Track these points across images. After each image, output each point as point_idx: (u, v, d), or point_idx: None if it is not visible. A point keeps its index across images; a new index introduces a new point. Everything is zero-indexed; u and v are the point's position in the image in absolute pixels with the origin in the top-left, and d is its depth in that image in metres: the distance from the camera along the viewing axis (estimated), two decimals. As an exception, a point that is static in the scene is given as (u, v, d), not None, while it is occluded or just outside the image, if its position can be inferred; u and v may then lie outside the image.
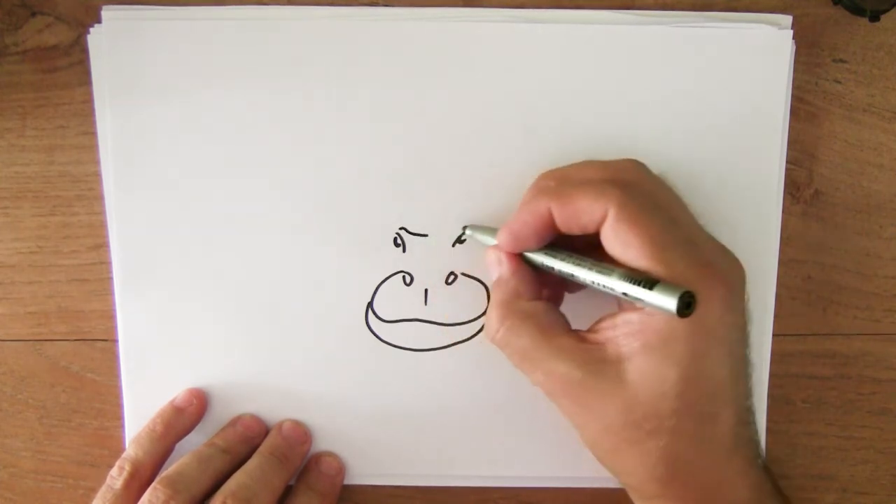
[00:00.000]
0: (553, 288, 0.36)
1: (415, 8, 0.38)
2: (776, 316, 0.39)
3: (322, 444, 0.39)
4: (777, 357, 0.40)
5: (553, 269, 0.33)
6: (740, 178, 0.38)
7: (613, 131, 0.38)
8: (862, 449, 0.41)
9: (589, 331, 0.33)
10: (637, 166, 0.34)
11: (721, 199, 0.38)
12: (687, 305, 0.28)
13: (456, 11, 0.38)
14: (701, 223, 0.34)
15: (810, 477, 0.41)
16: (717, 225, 0.38)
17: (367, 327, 0.39)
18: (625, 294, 0.30)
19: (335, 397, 0.39)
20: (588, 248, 0.33)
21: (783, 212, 0.39)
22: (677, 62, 0.37)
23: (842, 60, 0.39)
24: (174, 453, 0.38)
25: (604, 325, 0.32)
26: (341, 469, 0.39)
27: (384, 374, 0.39)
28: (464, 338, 0.39)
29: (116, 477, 0.36)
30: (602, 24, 0.37)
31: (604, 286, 0.31)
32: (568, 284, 0.36)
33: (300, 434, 0.38)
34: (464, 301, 0.39)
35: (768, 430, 0.40)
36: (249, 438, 0.38)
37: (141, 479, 0.36)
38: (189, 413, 0.38)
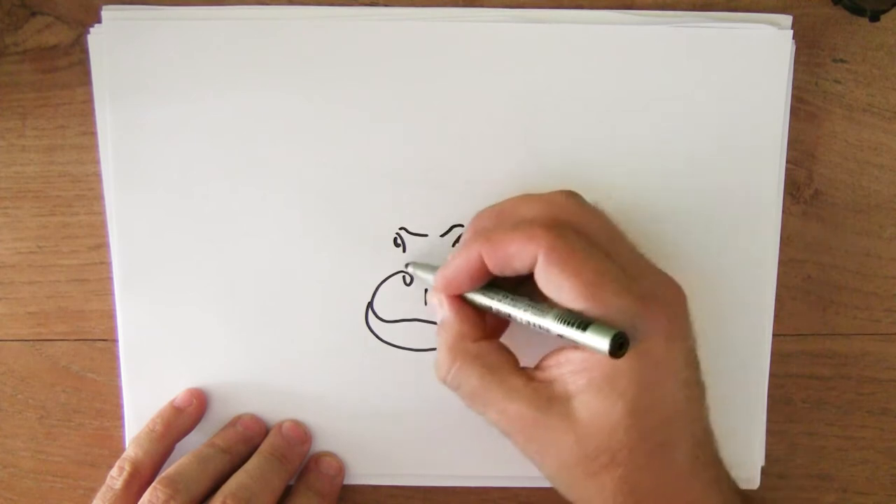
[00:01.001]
0: (498, 318, 0.36)
1: (415, 8, 0.38)
2: (776, 316, 0.39)
3: (322, 444, 0.39)
4: (777, 357, 0.40)
5: (491, 309, 0.34)
6: (740, 178, 0.38)
7: (613, 131, 0.38)
8: (862, 449, 0.41)
9: (536, 368, 0.33)
10: (570, 201, 0.33)
11: (721, 199, 0.38)
12: (619, 346, 0.28)
13: (456, 11, 0.38)
14: (640, 251, 0.34)
15: (810, 477, 0.41)
16: (717, 225, 0.38)
17: (367, 327, 0.39)
18: (560, 335, 0.30)
19: (335, 397, 0.39)
20: (532, 284, 0.33)
21: (783, 212, 0.39)
22: (677, 62, 0.37)
23: (842, 60, 0.39)
24: (174, 453, 0.38)
25: (549, 362, 0.32)
26: (341, 469, 0.39)
27: (384, 374, 0.39)
28: (464, 338, 0.39)
29: (116, 477, 0.36)
30: (602, 24, 0.37)
31: (539, 327, 0.31)
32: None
33: (300, 434, 0.38)
34: (464, 301, 0.39)
35: (768, 430, 0.40)
36: (249, 438, 0.38)
37: (141, 479, 0.36)
38: (189, 413, 0.38)
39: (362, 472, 0.40)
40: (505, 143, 0.38)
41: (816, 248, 0.40)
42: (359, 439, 0.39)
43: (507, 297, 0.33)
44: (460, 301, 0.35)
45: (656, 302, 0.31)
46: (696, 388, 0.32)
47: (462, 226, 0.38)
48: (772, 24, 0.38)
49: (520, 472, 0.40)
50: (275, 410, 0.39)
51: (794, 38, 0.38)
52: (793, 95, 0.38)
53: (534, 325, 0.31)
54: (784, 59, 0.38)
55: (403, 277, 0.38)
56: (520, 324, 0.33)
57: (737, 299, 0.39)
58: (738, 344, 0.39)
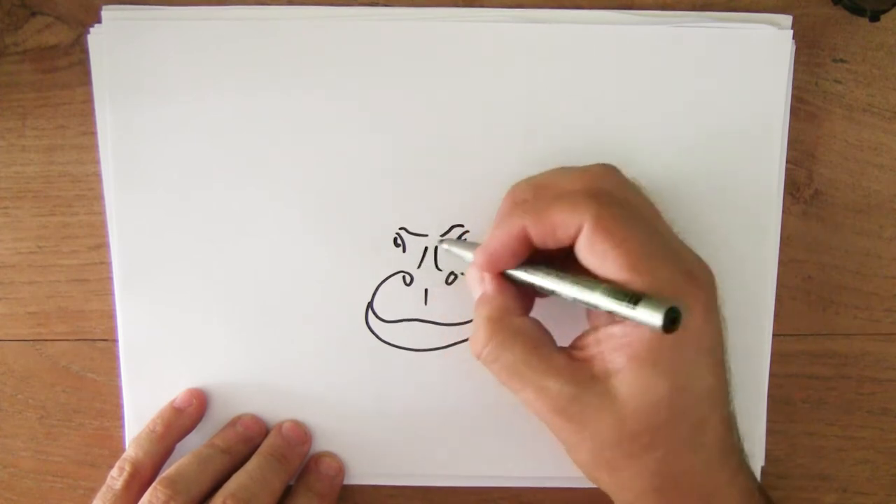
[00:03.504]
0: (528, 297, 0.36)
1: (415, 8, 0.38)
2: (776, 316, 0.39)
3: (322, 444, 0.39)
4: (777, 357, 0.40)
5: (534, 285, 0.33)
6: (740, 178, 0.38)
7: (613, 131, 0.38)
8: (862, 449, 0.41)
9: (573, 347, 0.33)
10: (611, 173, 0.33)
11: (721, 199, 0.38)
12: (672, 321, 0.28)
13: (456, 11, 0.38)
14: (677, 231, 0.33)
15: (810, 477, 0.41)
16: (717, 225, 0.38)
17: (367, 327, 0.39)
18: (609, 311, 0.29)
19: (335, 397, 0.39)
20: (564, 259, 0.32)
21: (783, 212, 0.39)
22: (677, 62, 0.37)
23: (842, 60, 0.39)
24: (174, 454, 0.38)
25: (588, 340, 0.32)
26: (341, 470, 0.39)
27: (384, 374, 0.39)
28: (463, 338, 0.39)
29: (117, 477, 0.36)
30: (602, 24, 0.37)
31: (587, 302, 0.30)
32: (538, 290, 0.35)
33: (300, 434, 0.38)
34: (464, 301, 0.38)
35: (768, 430, 0.40)
36: (249, 439, 0.38)
37: (141, 479, 0.36)
38: (189, 413, 0.38)
39: (362, 472, 0.40)
40: (505, 143, 0.38)
41: (816, 248, 0.40)
42: (359, 439, 0.39)
43: (552, 272, 0.32)
44: (502, 276, 0.34)
45: (698, 280, 0.31)
46: (725, 369, 0.33)
47: (462, 226, 0.38)
48: (772, 24, 0.38)
49: (520, 472, 0.40)
50: (275, 410, 0.39)
51: (794, 38, 0.38)
52: (793, 95, 0.38)
53: (581, 301, 0.30)
54: (784, 59, 0.38)
55: (403, 277, 0.38)
56: (563, 300, 0.31)
57: (737, 299, 0.39)
58: (738, 344, 0.39)
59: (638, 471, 0.31)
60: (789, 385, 0.40)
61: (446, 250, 0.37)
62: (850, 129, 0.39)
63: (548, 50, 0.37)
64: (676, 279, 0.30)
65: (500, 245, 0.33)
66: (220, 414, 0.39)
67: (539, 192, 0.34)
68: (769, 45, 0.38)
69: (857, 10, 0.37)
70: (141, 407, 0.39)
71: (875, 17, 0.37)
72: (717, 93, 0.38)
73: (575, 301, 0.31)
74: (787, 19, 0.38)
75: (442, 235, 0.38)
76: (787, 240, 0.39)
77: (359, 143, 0.38)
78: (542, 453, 0.39)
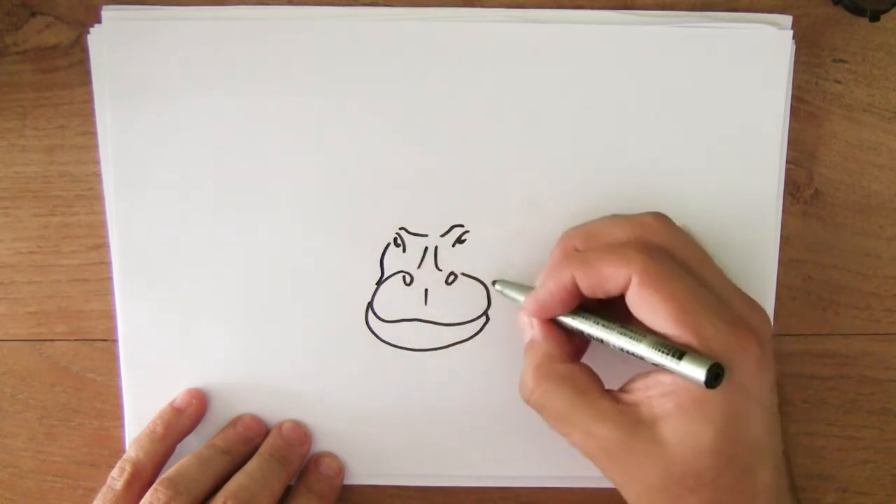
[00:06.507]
0: (579, 340, 0.36)
1: (415, 8, 0.38)
2: (776, 316, 0.39)
3: (322, 444, 0.39)
4: (777, 357, 0.39)
5: (583, 333, 0.34)
6: (740, 178, 0.38)
7: (613, 131, 0.38)
8: (862, 449, 0.41)
9: (622, 391, 0.33)
10: (660, 223, 0.34)
11: (721, 199, 0.38)
12: (715, 377, 0.29)
13: (456, 11, 0.38)
14: (728, 276, 0.34)
15: (810, 477, 0.41)
16: (717, 225, 0.38)
17: (367, 327, 0.39)
18: (654, 363, 0.30)
19: (335, 397, 0.39)
20: (615, 305, 0.33)
21: (783, 212, 0.39)
22: (677, 62, 0.37)
23: (842, 60, 0.39)
24: (175, 454, 0.38)
25: (637, 385, 0.32)
26: (340, 470, 0.39)
27: (384, 374, 0.39)
28: (464, 338, 0.39)
29: (117, 478, 0.36)
30: (602, 24, 0.37)
31: (633, 353, 0.31)
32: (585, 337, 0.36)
33: (300, 435, 0.38)
34: (464, 301, 0.39)
35: (768, 430, 0.40)
36: (250, 439, 0.38)
37: (142, 480, 0.36)
38: (189, 414, 0.38)
39: (362, 472, 0.40)
40: (505, 142, 0.38)
41: (816, 248, 0.40)
42: (359, 439, 0.39)
43: (600, 321, 0.33)
44: (550, 322, 0.35)
45: (748, 329, 0.31)
46: (776, 417, 0.33)
47: (462, 226, 0.38)
48: (772, 24, 0.38)
49: (520, 472, 0.40)
50: (275, 410, 0.39)
51: (794, 38, 0.38)
52: (793, 95, 0.38)
53: (627, 351, 0.32)
54: (784, 59, 0.38)
55: (403, 277, 0.38)
56: (610, 348, 0.33)
57: (737, 299, 0.39)
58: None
59: None
60: (789, 385, 0.40)
61: (499, 291, 0.38)
62: (850, 129, 0.39)
63: (548, 50, 0.37)
64: (723, 335, 0.30)
65: (549, 295, 0.34)
66: (220, 414, 0.39)
67: (589, 241, 0.34)
68: (769, 45, 0.38)
69: (857, 10, 0.37)
70: (141, 407, 0.39)
71: (875, 17, 0.37)
72: (717, 93, 0.38)
73: (621, 350, 0.32)
74: (787, 19, 0.38)
75: (441, 235, 0.38)
76: (787, 240, 0.39)
77: (359, 142, 0.38)
78: (543, 453, 0.39)
